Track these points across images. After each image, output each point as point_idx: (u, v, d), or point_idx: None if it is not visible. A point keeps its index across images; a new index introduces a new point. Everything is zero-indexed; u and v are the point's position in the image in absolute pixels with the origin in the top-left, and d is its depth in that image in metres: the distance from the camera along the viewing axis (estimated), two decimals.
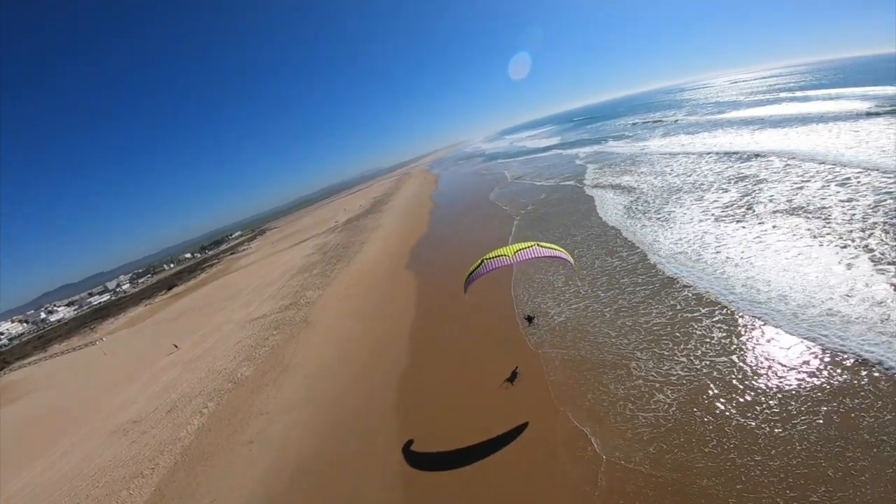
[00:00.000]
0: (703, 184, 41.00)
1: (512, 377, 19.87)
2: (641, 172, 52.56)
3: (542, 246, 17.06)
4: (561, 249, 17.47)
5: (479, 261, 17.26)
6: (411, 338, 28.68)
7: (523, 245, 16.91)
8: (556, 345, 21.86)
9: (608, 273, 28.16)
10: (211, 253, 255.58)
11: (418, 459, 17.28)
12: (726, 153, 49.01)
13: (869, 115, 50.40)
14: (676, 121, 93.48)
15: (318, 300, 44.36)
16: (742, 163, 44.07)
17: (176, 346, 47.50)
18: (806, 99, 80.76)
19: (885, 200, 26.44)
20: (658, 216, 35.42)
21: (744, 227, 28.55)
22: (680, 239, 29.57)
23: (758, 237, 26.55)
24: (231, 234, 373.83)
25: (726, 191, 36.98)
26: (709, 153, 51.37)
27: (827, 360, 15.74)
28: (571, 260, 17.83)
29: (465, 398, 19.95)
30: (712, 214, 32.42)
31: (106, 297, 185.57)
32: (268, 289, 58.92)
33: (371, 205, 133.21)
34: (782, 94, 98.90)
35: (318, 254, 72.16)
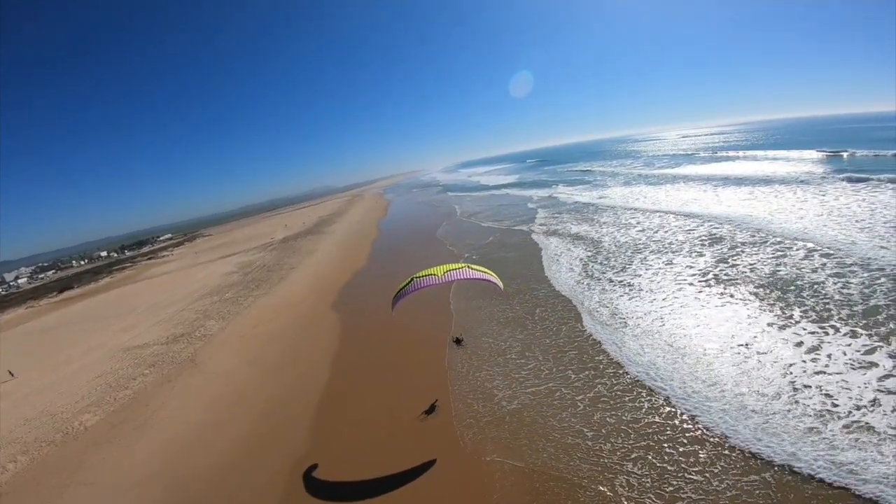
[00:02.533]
0: (672, 243, 38.25)
1: (430, 409, 19.50)
2: (602, 223, 50.04)
3: (472, 268, 17.38)
4: (491, 273, 17.75)
5: (409, 279, 17.21)
6: (319, 408, 22.29)
7: (454, 266, 17.18)
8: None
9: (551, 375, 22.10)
10: (129, 254, 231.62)
11: (317, 487, 16.59)
12: (690, 214, 47.37)
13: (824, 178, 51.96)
14: (637, 173, 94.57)
15: (217, 334, 36.77)
16: (710, 224, 42.05)
17: (11, 374, 37.48)
18: (757, 158, 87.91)
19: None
20: (621, 281, 31.72)
21: (734, 306, 25.03)
22: (653, 322, 25.35)
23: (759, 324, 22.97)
24: (159, 237, 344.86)
25: (700, 254, 34.18)
26: (671, 212, 49.68)
27: None
28: (500, 285, 18.10)
29: (381, 432, 19.03)
30: (690, 284, 28.99)
31: None
32: (166, 309, 49.79)
33: (315, 224, 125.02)
34: (735, 152, 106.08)
35: (240, 274, 63.61)
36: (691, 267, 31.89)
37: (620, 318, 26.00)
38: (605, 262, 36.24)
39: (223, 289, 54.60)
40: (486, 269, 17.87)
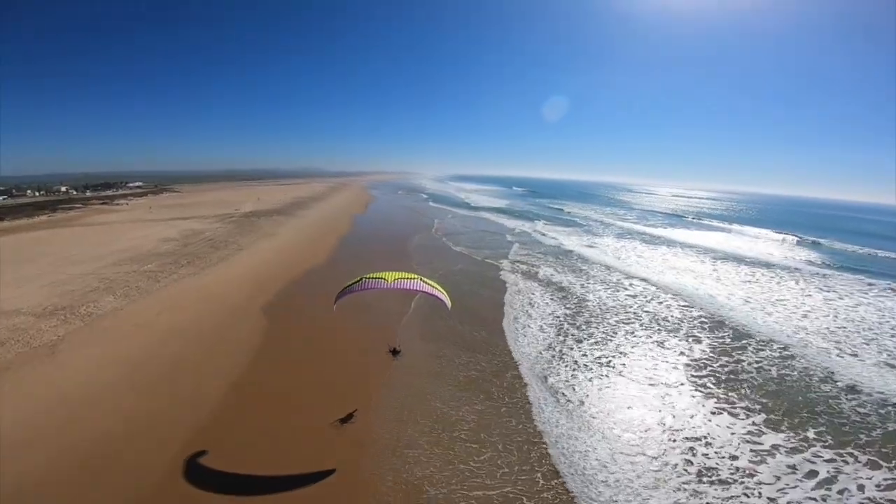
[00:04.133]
0: (666, 319, 33.22)
1: (346, 418, 19.25)
2: (588, 276, 45.07)
3: (424, 281, 17.02)
4: (442, 290, 17.31)
5: (359, 278, 17.00)
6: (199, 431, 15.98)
7: (407, 275, 16.91)
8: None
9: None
10: (90, 195, 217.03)
11: (200, 474, 15.60)
12: (684, 288, 42.63)
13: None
14: (630, 227, 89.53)
15: (107, 315, 29.82)
16: (709, 304, 37.27)
17: None
18: (749, 235, 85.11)
19: None
20: (596, 356, 26.42)
21: (738, 419, 19.98)
22: (636, 424, 20.08)
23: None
24: (129, 182, 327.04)
25: (697, 340, 29.19)
26: (665, 283, 44.79)
27: None
28: (448, 304, 17.52)
29: (288, 428, 18.47)
30: (687, 379, 23.87)
31: None
32: (71, 268, 42.04)
33: (288, 204, 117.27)
34: (726, 223, 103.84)
35: (179, 242, 56.05)
36: (686, 355, 26.89)
37: (590, 409, 20.65)
38: (583, 327, 31.01)
39: (149, 257, 47.09)
40: (437, 285, 17.28)
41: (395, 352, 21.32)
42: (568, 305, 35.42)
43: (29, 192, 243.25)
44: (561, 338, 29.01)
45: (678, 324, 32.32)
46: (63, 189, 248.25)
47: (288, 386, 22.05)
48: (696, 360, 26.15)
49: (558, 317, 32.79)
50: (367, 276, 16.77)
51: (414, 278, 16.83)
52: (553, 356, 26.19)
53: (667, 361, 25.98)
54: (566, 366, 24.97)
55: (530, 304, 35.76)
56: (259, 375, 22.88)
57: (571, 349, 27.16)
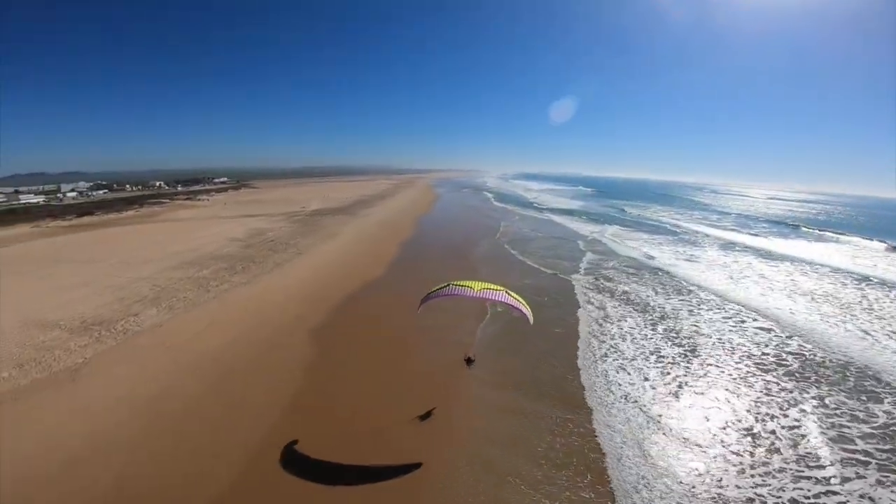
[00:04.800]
0: (817, 379, 24.37)
1: (426, 415, 19.53)
2: (693, 304, 36.19)
3: (509, 294, 17.15)
4: (526, 305, 17.60)
5: (446, 283, 17.41)
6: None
7: (493, 286, 17.12)
8: None
9: None
10: (182, 189, 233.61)
11: (295, 461, 16.45)
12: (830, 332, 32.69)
13: None
14: (731, 239, 74.88)
15: (142, 334, 26.73)
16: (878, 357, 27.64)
17: None
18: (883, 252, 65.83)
19: None
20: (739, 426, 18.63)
21: None
22: None
23: None
24: (215, 178, 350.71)
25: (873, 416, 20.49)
26: (801, 322, 34.83)
27: None
28: (531, 320, 17.74)
29: (368, 429, 18.45)
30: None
31: (33, 201, 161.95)
32: (129, 271, 40.53)
33: (353, 202, 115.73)
34: (846, 234, 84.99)
35: (242, 243, 54.06)
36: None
37: None
38: (702, 374, 23.15)
39: (208, 260, 44.89)
40: (520, 299, 17.55)
41: (469, 361, 21.10)
42: (674, 341, 27.38)
43: (128, 186, 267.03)
44: (669, 390, 21.49)
45: (843, 379, 23.36)
46: (157, 184, 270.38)
47: (355, 394, 21.03)
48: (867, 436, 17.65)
49: (662, 358, 24.97)
50: (455, 282, 17.20)
51: (499, 290, 17.08)
52: (654, 424, 18.92)
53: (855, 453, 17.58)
54: (670, 440, 17.61)
55: (620, 335, 28.37)
56: (313, 397, 18.03)
57: (678, 415, 19.58)
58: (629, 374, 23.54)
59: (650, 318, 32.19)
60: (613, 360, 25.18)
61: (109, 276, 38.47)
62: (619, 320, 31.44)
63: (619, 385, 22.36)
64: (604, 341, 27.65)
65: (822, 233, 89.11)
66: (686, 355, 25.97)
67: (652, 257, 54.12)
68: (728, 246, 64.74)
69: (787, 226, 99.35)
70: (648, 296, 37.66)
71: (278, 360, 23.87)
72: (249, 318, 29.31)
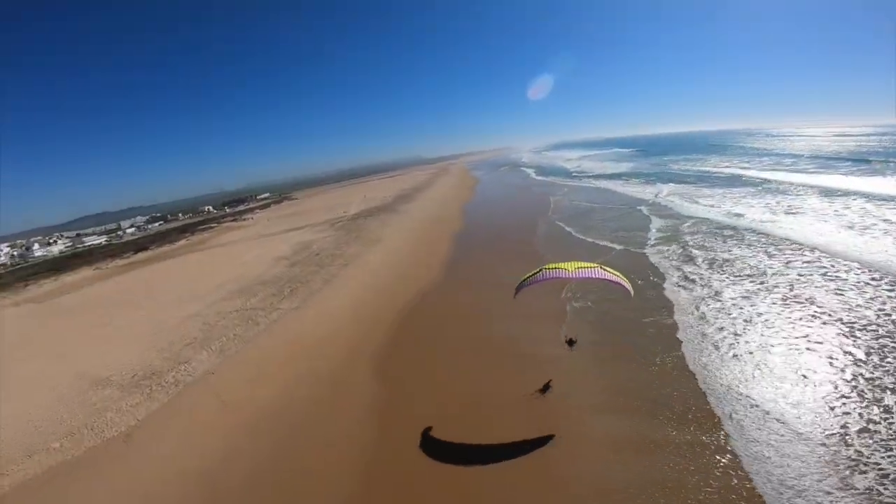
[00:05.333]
0: None
1: (544, 389, 19.15)
2: (829, 270, 29.16)
3: (604, 269, 16.47)
4: (623, 277, 16.85)
5: (538, 269, 17.19)
6: None
7: (586, 264, 16.74)
8: None
9: None
10: (229, 210, 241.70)
11: (433, 447, 16.79)
12: None
13: None
14: (824, 186, 60.14)
15: (196, 385, 24.19)
16: None
17: None
18: None
19: None
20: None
21: None
22: None
23: None
24: (258, 195, 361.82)
25: None
26: None
27: None
28: (631, 290, 17.06)
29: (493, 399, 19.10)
30: None
31: (96, 241, 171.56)
32: (179, 308, 38.94)
33: (393, 199, 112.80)
34: None
35: (289, 261, 51.94)
36: None
37: None
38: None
39: (258, 286, 42.75)
40: (617, 272, 16.78)
41: (571, 342, 19.98)
42: (850, 338, 21.29)
43: (180, 215, 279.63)
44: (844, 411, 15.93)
45: None
46: (206, 209, 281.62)
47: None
48: None
49: (845, 368, 19.08)
50: (547, 266, 16.97)
51: (594, 267, 16.58)
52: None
53: None
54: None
55: (741, 322, 22.64)
56: (389, 453, 14.33)
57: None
58: (779, 381, 18.15)
59: (774, 294, 26.18)
60: (743, 358, 19.88)
61: (158, 319, 36.90)
62: (730, 302, 25.75)
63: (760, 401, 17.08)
64: (723, 334, 22.26)
65: None
66: (869, 352, 19.81)
67: (739, 215, 46.51)
68: (827, 192, 54.76)
69: (875, 162, 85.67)
70: (761, 262, 31.40)
71: (344, 405, 20.41)
72: (304, 352, 26.17)
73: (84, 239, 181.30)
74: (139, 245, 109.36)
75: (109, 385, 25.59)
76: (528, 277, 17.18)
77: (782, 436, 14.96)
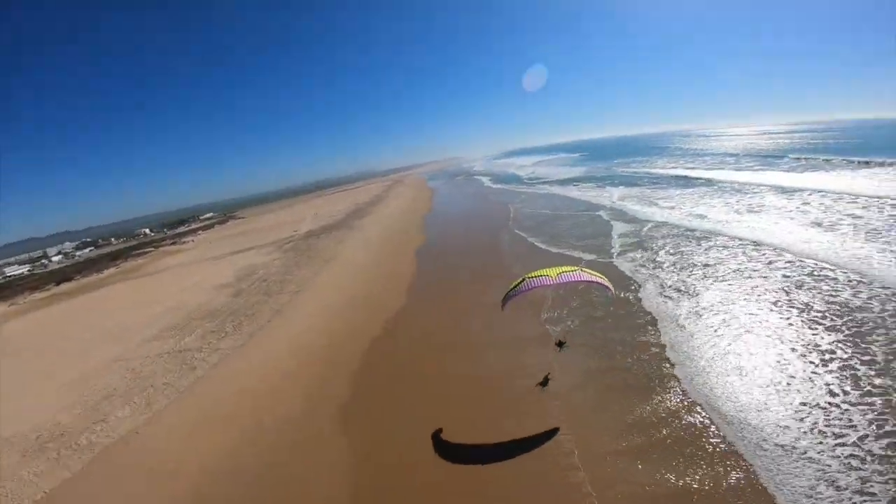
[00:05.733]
0: None
1: (544, 382, 19.24)
2: (813, 273, 28.91)
3: (584, 271, 16.90)
4: (603, 277, 17.47)
5: (521, 279, 17.13)
6: None
7: (567, 268, 16.95)
8: None
9: None
10: (169, 233, 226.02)
11: (446, 449, 16.87)
12: None
13: None
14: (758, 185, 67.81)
15: (119, 445, 20.22)
16: None
17: None
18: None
19: None
20: None
21: None
22: None
23: None
24: (201, 215, 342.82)
25: None
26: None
27: None
28: (612, 289, 17.69)
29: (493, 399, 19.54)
30: None
31: (17, 272, 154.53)
32: (101, 349, 33.64)
33: (347, 215, 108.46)
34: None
35: (232, 289, 47.10)
36: None
37: None
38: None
39: (196, 320, 37.99)
40: (596, 273, 17.36)
41: (560, 344, 20.17)
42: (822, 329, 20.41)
43: (113, 240, 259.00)
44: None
45: None
46: (143, 232, 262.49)
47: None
48: None
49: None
50: (529, 275, 16.89)
51: (575, 270, 16.90)
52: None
53: None
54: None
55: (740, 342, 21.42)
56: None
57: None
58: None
59: (751, 299, 25.32)
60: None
61: (75, 364, 31.51)
62: (713, 312, 24.57)
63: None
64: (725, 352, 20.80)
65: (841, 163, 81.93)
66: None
67: (702, 216, 46.85)
68: (778, 189, 56.32)
69: (813, 159, 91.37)
70: (741, 265, 30.73)
71: (306, 468, 17.03)
72: (252, 403, 22.35)
73: (4, 269, 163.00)
74: (64, 275, 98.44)
75: (8, 447, 20.73)
76: (513, 288, 17.08)
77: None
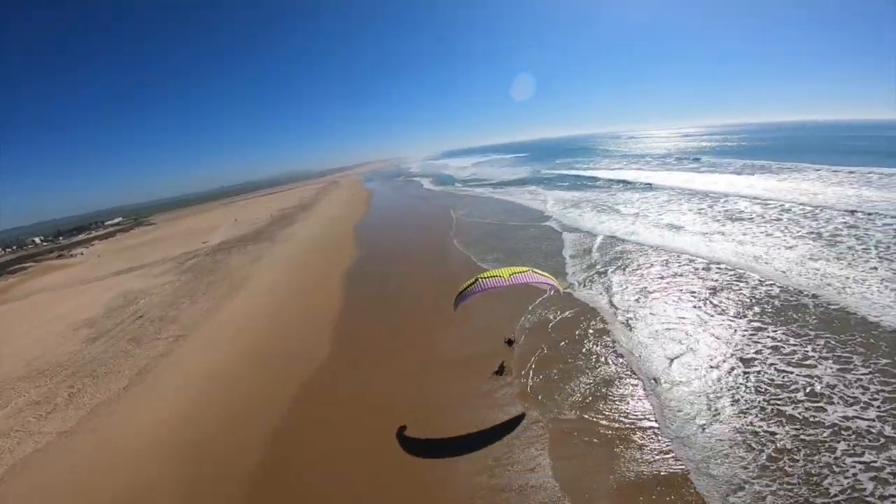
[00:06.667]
0: None
1: (500, 370, 19.93)
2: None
3: (535, 272, 17.81)
4: (552, 277, 18.50)
5: (474, 279, 17.46)
6: None
7: (519, 269, 17.62)
8: None
9: None
10: (63, 241, 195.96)
11: (415, 445, 16.37)
12: None
13: None
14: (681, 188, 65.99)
15: None
16: None
17: None
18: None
19: None
20: None
21: None
22: None
23: None
24: (107, 221, 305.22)
25: None
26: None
27: None
28: (560, 289, 19.24)
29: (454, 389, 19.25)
30: None
31: None
32: None
33: (270, 222, 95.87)
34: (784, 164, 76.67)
35: (93, 330, 35.39)
36: None
37: None
38: None
39: (23, 381, 26.60)
40: (546, 274, 18.30)
41: (510, 342, 21.19)
42: None
43: (2, 250, 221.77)
44: None
45: None
46: (33, 241, 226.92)
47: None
48: None
49: None
50: (483, 275, 17.42)
51: (526, 271, 17.52)
52: None
53: None
54: None
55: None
56: None
57: None
58: None
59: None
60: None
61: None
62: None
63: None
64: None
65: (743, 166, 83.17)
66: None
67: (678, 227, 41.69)
68: (751, 198, 54.09)
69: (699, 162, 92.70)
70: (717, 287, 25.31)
71: None
72: None
73: None
74: None
75: None
76: (466, 288, 17.38)
77: None
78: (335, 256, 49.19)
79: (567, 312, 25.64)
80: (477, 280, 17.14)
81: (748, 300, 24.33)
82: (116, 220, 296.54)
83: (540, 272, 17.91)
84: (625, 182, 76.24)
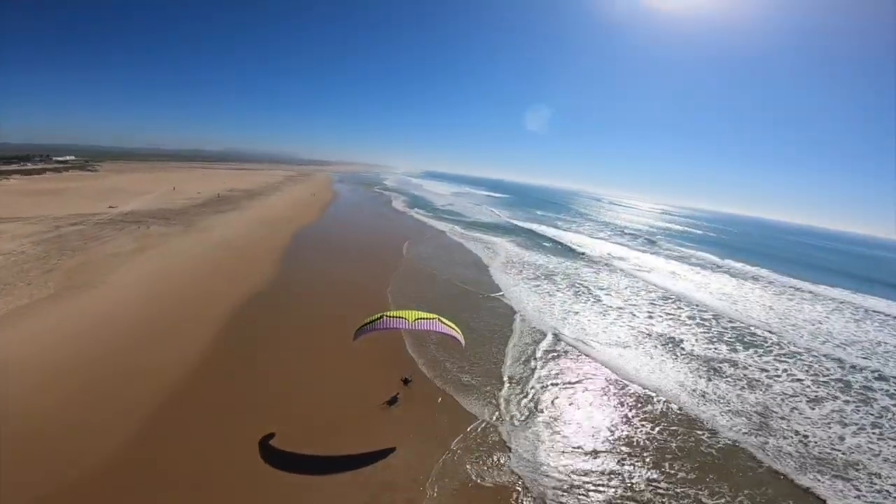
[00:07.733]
0: None
1: (392, 401, 19.52)
2: None
3: (442, 322, 17.42)
4: (458, 330, 18.13)
5: (379, 315, 17.28)
6: None
7: (425, 315, 17.30)
8: None
9: None
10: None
11: (272, 455, 16.07)
12: None
13: None
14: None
15: None
16: None
17: None
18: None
19: None
20: None
21: None
22: None
23: None
24: (55, 156, 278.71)
25: None
26: None
27: None
28: (463, 342, 18.37)
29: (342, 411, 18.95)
30: None
31: None
32: None
33: (207, 200, 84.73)
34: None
35: None
36: None
37: None
38: None
39: None
40: (452, 324, 17.95)
41: (406, 381, 20.31)
42: None
43: None
44: None
45: None
46: None
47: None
48: None
49: None
50: (388, 314, 17.11)
51: (433, 318, 17.14)
52: None
53: None
54: None
55: None
56: None
57: None
58: None
59: None
60: None
61: None
62: None
63: None
64: None
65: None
66: None
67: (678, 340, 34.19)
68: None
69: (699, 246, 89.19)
70: None
71: None
72: None
73: None
74: None
75: None
76: (369, 323, 17.15)
77: None
78: (242, 272, 38.58)
79: None
80: (382, 317, 17.09)
81: None
82: (67, 158, 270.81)
83: (448, 323, 17.69)
84: (608, 264, 69.70)
